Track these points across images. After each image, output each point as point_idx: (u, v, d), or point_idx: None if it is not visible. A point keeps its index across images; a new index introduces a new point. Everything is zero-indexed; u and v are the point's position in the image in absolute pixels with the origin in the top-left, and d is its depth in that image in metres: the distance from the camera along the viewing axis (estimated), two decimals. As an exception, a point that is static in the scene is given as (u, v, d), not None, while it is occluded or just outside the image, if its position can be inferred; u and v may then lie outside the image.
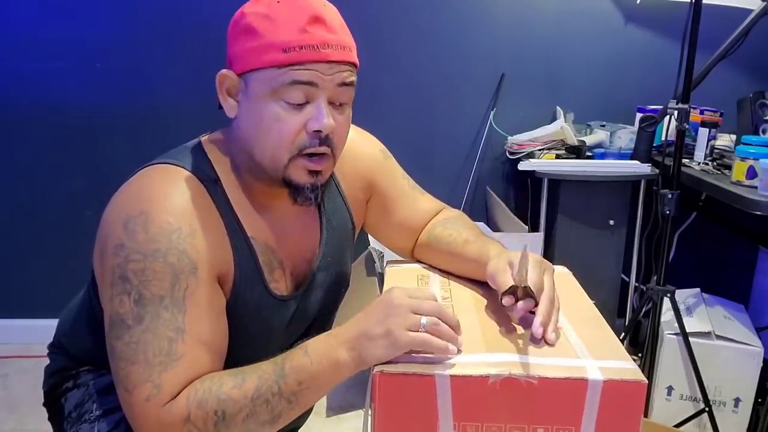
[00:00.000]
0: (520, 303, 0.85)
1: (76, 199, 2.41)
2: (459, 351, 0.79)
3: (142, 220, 0.82)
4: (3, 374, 2.29)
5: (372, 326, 0.78)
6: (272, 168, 0.88)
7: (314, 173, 0.88)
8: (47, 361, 1.09)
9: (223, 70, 0.88)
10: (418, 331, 0.77)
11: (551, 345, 0.82)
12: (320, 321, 1.05)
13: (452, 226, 1.09)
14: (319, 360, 0.79)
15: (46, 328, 1.11)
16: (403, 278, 1.05)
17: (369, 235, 1.19)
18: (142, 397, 0.79)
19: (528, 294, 0.85)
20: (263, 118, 0.85)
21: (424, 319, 0.77)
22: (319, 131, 0.85)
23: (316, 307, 1.03)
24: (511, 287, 0.86)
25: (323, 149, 0.87)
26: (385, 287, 0.96)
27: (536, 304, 0.85)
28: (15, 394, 2.17)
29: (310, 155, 0.87)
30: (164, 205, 0.83)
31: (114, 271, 0.82)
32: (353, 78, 0.88)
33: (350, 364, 0.79)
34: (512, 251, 0.95)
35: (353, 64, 0.88)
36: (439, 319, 0.78)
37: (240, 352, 0.89)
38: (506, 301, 0.86)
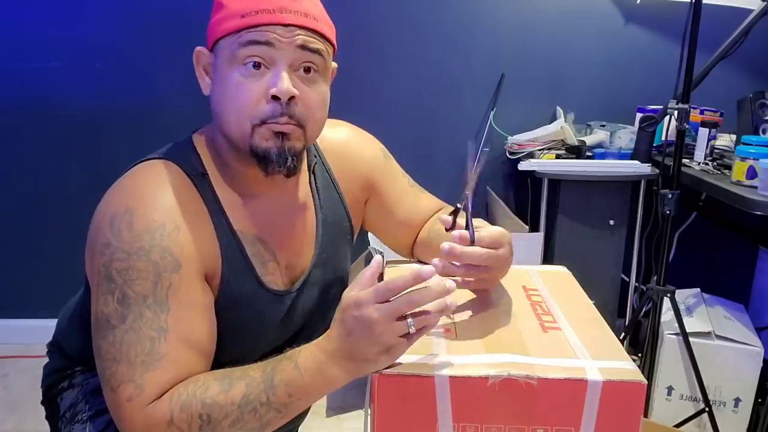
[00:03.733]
0: (461, 231, 0.86)
1: (76, 198, 2.41)
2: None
3: (127, 217, 0.81)
4: (3, 374, 2.29)
5: (366, 348, 0.74)
6: (239, 138, 0.85)
7: (279, 136, 0.84)
8: (47, 360, 1.09)
9: (198, 47, 0.90)
10: (408, 331, 0.74)
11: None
12: (315, 320, 1.04)
13: None
14: (311, 375, 0.78)
15: (46, 328, 1.12)
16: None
17: (369, 235, 1.19)
18: (125, 397, 0.78)
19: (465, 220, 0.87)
20: (226, 86, 0.85)
21: (410, 320, 0.74)
22: (277, 97, 0.83)
23: (311, 304, 1.02)
24: (454, 210, 0.89)
25: (285, 120, 0.84)
26: None
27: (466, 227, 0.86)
28: (15, 394, 2.17)
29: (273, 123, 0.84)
30: (149, 202, 0.83)
31: (100, 270, 0.81)
32: (318, 45, 0.85)
33: (345, 378, 0.78)
34: None
35: (319, 33, 0.86)
36: (418, 304, 0.74)
37: (231, 348, 0.89)
38: (443, 217, 0.89)
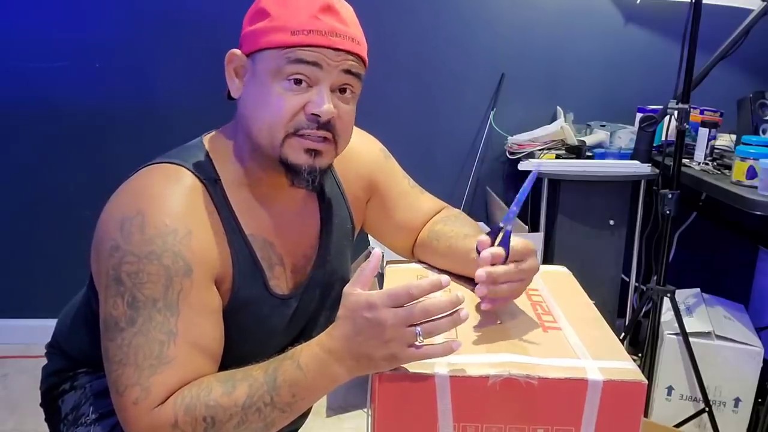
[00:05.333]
0: (491, 249, 0.86)
1: (76, 199, 2.41)
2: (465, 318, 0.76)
3: (138, 221, 0.81)
4: (3, 374, 2.29)
5: (372, 350, 0.75)
6: (269, 146, 0.86)
7: (311, 153, 0.87)
8: (46, 361, 1.08)
9: (233, 50, 0.89)
10: (417, 340, 0.74)
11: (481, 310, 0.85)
12: (318, 320, 1.04)
13: (453, 222, 1.09)
14: (313, 375, 0.78)
15: (46, 328, 1.11)
16: (403, 278, 1.04)
17: (369, 235, 1.19)
18: (131, 400, 0.78)
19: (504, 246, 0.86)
20: (265, 95, 0.85)
21: (418, 329, 0.74)
22: (317, 115, 0.85)
23: (314, 305, 1.02)
24: (489, 233, 0.88)
25: (321, 132, 0.86)
26: (385, 287, 0.96)
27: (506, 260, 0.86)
28: (15, 394, 2.17)
29: (307, 136, 0.86)
30: (161, 206, 0.83)
31: (109, 273, 0.81)
32: (360, 70, 0.88)
33: (347, 376, 0.78)
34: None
35: (361, 59, 0.89)
36: (431, 315, 0.74)
37: (237, 350, 0.89)
38: (481, 238, 0.88)
